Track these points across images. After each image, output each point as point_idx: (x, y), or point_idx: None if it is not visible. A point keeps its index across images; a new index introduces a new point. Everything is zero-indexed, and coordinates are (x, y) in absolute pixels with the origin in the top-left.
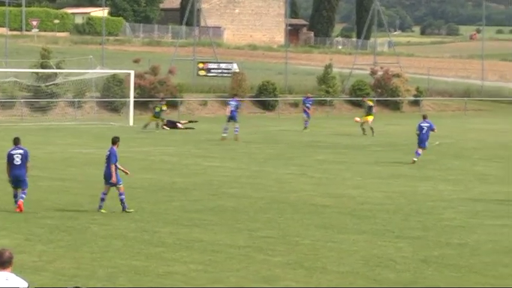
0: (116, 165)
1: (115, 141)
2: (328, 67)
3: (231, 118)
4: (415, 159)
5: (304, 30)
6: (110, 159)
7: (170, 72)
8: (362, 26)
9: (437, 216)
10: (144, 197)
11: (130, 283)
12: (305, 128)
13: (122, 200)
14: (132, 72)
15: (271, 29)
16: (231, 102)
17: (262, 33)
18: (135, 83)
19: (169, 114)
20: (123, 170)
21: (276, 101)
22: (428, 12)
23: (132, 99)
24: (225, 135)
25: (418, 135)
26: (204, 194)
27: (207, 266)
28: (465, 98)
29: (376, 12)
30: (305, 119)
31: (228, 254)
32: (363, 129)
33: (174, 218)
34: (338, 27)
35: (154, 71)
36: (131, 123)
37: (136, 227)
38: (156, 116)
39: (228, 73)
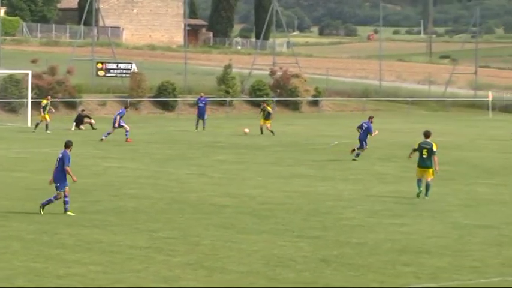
0: (68, 168)
1: (68, 145)
2: (228, 67)
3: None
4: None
5: (203, 30)
6: (63, 161)
7: (68, 72)
8: (261, 27)
9: (337, 215)
10: (43, 198)
11: (29, 284)
12: (204, 128)
13: (49, 200)
14: (30, 73)
15: (170, 29)
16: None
17: (161, 34)
18: (32, 84)
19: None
20: (71, 176)
21: (176, 101)
22: (326, 13)
23: (29, 100)
24: (103, 137)
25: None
26: (104, 195)
27: (106, 267)
28: (363, 98)
29: (275, 13)
30: (197, 119)
31: (128, 255)
32: (261, 129)
33: (73, 219)
34: (237, 28)
35: (52, 71)
36: (29, 124)
37: (36, 229)
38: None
39: (127, 73)
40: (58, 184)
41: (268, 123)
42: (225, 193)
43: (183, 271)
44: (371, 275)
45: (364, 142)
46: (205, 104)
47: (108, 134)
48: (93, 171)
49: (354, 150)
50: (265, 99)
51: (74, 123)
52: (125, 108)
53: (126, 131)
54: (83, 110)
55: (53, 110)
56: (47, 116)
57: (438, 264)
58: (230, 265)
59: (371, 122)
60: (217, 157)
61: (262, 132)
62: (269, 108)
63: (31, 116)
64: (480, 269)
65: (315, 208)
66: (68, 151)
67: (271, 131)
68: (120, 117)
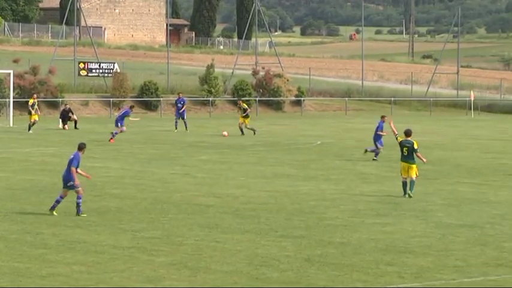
0: (76, 170)
1: (81, 147)
2: (210, 67)
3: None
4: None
5: (186, 30)
6: (72, 162)
7: (50, 72)
8: (243, 26)
9: (320, 215)
10: (26, 198)
11: (12, 284)
12: (186, 129)
13: (78, 204)
14: (12, 72)
15: (153, 29)
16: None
17: (144, 33)
18: (14, 83)
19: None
20: (84, 175)
21: (158, 101)
22: (308, 13)
23: (11, 100)
24: (114, 133)
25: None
26: (87, 195)
27: (90, 267)
28: (346, 98)
29: (257, 13)
30: (176, 119)
31: (112, 255)
32: (241, 129)
33: (56, 220)
34: (219, 28)
35: (34, 71)
36: (11, 123)
37: (19, 229)
38: (30, 112)
39: (110, 73)
40: (71, 183)
41: (246, 121)
42: (208, 193)
43: (167, 271)
44: (354, 275)
45: (376, 143)
46: (183, 104)
47: (117, 133)
48: None
49: (366, 151)
50: (248, 98)
51: (60, 121)
52: (131, 108)
53: (115, 132)
54: (66, 105)
55: (39, 113)
56: (33, 116)
57: (421, 264)
58: (214, 265)
59: (383, 121)
60: (201, 157)
61: (242, 133)
62: (245, 105)
63: (13, 115)
64: (463, 268)
65: (298, 208)
66: (80, 153)
67: (252, 129)
68: (124, 117)
